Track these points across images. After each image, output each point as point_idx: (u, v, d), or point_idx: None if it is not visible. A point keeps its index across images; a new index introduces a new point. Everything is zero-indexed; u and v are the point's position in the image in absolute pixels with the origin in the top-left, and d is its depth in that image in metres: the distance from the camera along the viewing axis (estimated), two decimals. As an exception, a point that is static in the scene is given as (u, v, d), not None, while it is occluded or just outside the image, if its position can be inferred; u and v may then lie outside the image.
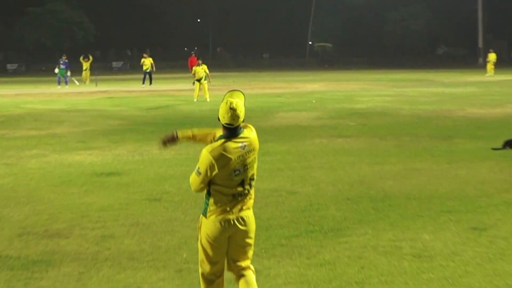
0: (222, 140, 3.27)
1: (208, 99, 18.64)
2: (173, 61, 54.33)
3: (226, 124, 3.24)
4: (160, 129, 12.25)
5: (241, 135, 3.29)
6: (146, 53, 28.15)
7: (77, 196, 6.71)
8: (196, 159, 10.29)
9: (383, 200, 6.32)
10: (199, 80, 18.97)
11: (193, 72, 19.35)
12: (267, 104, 17.51)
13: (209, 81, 19.20)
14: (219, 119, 3.28)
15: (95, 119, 14.27)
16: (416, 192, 6.66)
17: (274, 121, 13.42)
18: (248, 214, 3.33)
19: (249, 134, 3.31)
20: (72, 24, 50.84)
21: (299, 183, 7.11)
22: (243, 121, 3.30)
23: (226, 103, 3.24)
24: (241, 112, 3.25)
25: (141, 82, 27.50)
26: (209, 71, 19.39)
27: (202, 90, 18.94)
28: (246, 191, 3.30)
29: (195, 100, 18.78)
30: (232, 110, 3.22)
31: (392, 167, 8.02)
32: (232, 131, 3.27)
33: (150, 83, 27.39)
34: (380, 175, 7.56)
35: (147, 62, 27.31)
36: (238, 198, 3.27)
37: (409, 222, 5.53)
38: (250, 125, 3.38)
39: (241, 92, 3.37)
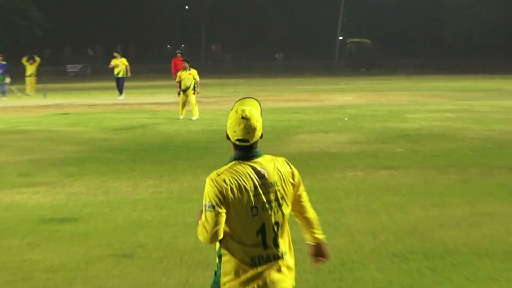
0: (232, 162, 3.35)
1: (195, 117, 18.68)
2: (151, 63, 54.93)
3: (238, 140, 3.31)
4: (134, 157, 12.33)
5: (259, 160, 3.36)
6: (117, 52, 28.22)
7: (17, 251, 6.73)
8: (183, 199, 10.17)
9: (442, 257, 6.30)
10: (185, 90, 18.91)
11: (178, 78, 19.26)
12: (281, 122, 17.59)
13: (196, 91, 19.01)
14: (228, 137, 3.36)
15: (43, 143, 14.38)
16: (489, 245, 6.63)
17: (291, 146, 13.48)
18: (280, 278, 3.30)
19: (269, 163, 3.38)
20: (13, 13, 51.22)
21: (326, 233, 7.05)
22: (261, 137, 3.37)
23: (237, 111, 3.33)
24: (258, 123, 3.33)
25: (117, 92, 27.63)
26: (200, 77, 19.36)
27: (190, 104, 18.92)
28: (271, 254, 3.29)
29: (181, 117, 18.90)
30: (245, 120, 3.30)
31: (455, 211, 8.00)
32: (246, 151, 3.34)
33: (120, 93, 27.58)
34: (438, 221, 7.55)
35: (120, 64, 27.49)
36: (261, 263, 3.26)
37: (479, 287, 5.51)
38: (283, 158, 3.47)
39: (256, 100, 3.46)
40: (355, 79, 42.61)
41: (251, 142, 3.31)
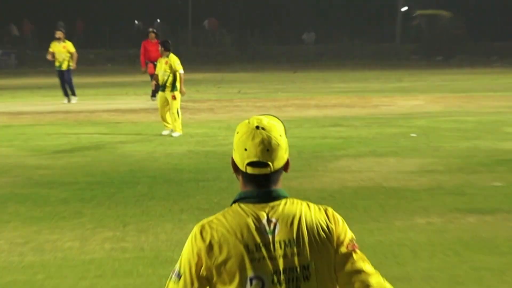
0: (232, 206, 3.33)
1: (178, 132, 18.63)
2: (109, 48, 55.07)
3: (252, 164, 3.27)
4: (82, 195, 12.29)
5: (276, 204, 3.31)
6: (60, 32, 28.42)
7: None
8: (159, 261, 10.13)
9: None
10: (163, 88, 18.92)
11: (157, 70, 19.18)
12: (312, 140, 17.63)
13: (181, 92, 18.83)
14: (234, 166, 3.34)
15: None
16: None
17: (328, 178, 13.48)
18: None
19: (290, 211, 3.31)
20: None
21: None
22: (286, 168, 3.35)
23: (249, 123, 3.32)
24: (281, 137, 3.30)
25: (63, 95, 27.75)
26: (185, 69, 19.24)
27: (169, 111, 18.84)
28: None
29: (166, 132, 18.77)
30: (263, 131, 3.28)
31: None
32: (261, 184, 3.30)
33: (72, 93, 27.64)
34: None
35: (62, 51, 27.74)
36: None
37: None
38: (323, 207, 3.40)
39: (278, 118, 3.43)
40: (426, 72, 42.57)
41: (272, 168, 3.26)
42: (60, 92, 28.09)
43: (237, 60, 53.23)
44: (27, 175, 14.09)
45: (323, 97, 28.36)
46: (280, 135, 3.29)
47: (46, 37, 29.06)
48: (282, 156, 3.29)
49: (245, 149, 3.26)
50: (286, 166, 3.34)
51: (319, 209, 3.37)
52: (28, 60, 50.20)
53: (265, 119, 3.32)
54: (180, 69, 18.85)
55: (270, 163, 3.26)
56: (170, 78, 18.72)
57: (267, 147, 3.25)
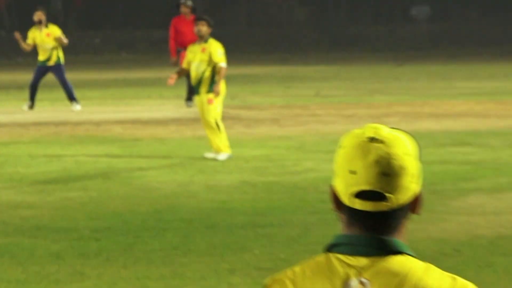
0: (318, 256, 3.30)
1: (224, 153, 18.88)
2: (122, 30, 55.61)
3: (359, 195, 3.20)
4: (84, 248, 12.41)
5: (381, 259, 3.24)
6: (41, 12, 28.88)
7: None
8: None
9: None
10: (197, 88, 18.98)
11: (185, 63, 19.35)
12: (427, 166, 17.33)
13: (214, 92, 18.70)
14: (335, 201, 3.28)
15: None
16: None
17: (451, 221, 13.54)
18: None
19: (399, 266, 3.25)
20: None
21: None
22: (414, 205, 3.26)
23: (360, 133, 3.27)
24: (408, 158, 3.22)
25: (29, 98, 28.21)
26: (233, 60, 19.18)
27: (204, 123, 19.07)
28: None
29: (212, 154, 18.86)
30: (381, 146, 3.22)
31: None
32: (366, 225, 3.26)
33: (70, 97, 28.00)
34: None
35: (46, 41, 28.30)
36: None
37: None
38: (456, 278, 3.26)
39: (407, 133, 3.35)
40: None
41: (391, 202, 3.19)
42: (51, 95, 28.33)
43: (313, 46, 53.48)
44: (2, 218, 14.26)
45: (441, 102, 28.42)
46: (407, 154, 3.21)
47: (30, 14, 29.36)
48: (408, 186, 3.20)
49: (352, 172, 3.19)
50: (414, 204, 3.23)
51: (443, 275, 3.27)
52: (3, 46, 50.78)
53: (385, 128, 3.25)
54: (222, 62, 19.02)
55: (388, 195, 3.19)
56: (207, 73, 18.91)
57: (385, 170, 3.17)
